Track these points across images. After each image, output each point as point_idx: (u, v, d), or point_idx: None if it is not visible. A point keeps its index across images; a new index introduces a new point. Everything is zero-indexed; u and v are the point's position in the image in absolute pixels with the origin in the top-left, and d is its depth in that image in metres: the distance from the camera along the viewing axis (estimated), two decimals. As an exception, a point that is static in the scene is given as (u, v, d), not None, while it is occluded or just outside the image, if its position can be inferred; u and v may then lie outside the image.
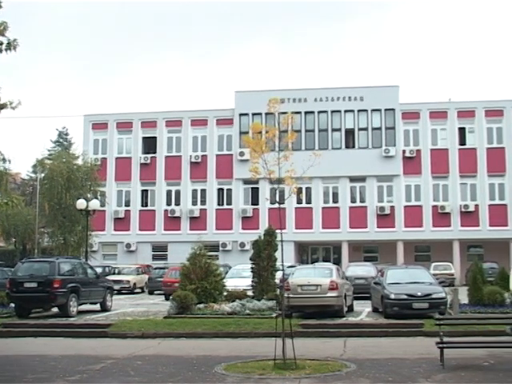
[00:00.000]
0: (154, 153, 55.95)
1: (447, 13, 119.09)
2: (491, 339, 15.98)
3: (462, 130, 53.70)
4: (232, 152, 54.23)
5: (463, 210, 52.27)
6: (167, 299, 30.66)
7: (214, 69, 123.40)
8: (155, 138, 56.10)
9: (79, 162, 50.20)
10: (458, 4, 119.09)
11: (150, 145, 56.36)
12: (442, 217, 52.52)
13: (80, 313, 25.36)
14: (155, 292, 40.10)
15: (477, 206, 52.46)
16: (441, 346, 14.03)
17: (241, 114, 54.35)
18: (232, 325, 20.82)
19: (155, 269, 44.30)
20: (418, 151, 53.29)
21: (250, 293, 25.98)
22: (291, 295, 21.78)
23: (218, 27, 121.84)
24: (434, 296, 22.37)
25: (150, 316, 24.25)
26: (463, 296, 24.20)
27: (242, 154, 50.95)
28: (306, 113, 53.56)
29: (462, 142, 53.57)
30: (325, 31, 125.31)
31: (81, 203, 36.25)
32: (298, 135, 24.67)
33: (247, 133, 35.70)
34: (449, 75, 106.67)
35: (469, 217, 52.26)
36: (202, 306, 24.00)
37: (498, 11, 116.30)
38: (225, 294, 25.76)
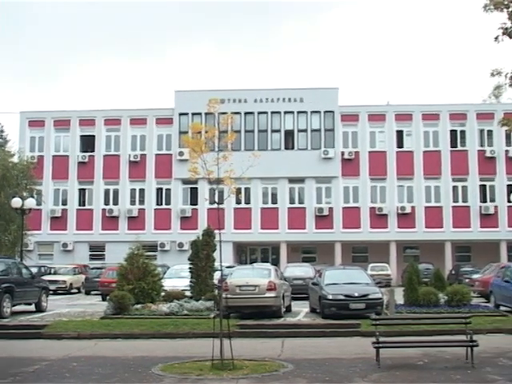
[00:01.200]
0: (92, 151, 55.23)
1: (386, 16, 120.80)
2: (426, 339, 16.27)
3: (399, 133, 54.52)
4: (171, 152, 53.92)
5: (400, 211, 53.07)
6: (104, 300, 30.30)
7: (153, 68, 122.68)
8: (93, 136, 55.40)
9: (15, 159, 49.13)
10: (398, 8, 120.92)
11: (88, 143, 55.61)
12: (379, 218, 53.22)
13: (14, 314, 24.83)
14: (92, 292, 39.64)
15: (413, 207, 53.33)
16: (377, 345, 14.19)
17: (180, 114, 54.09)
18: (170, 325, 20.69)
19: (92, 269, 43.82)
20: (357, 153, 53.88)
21: (188, 293, 25.86)
22: (229, 295, 21.76)
23: (158, 26, 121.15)
24: (370, 296, 22.63)
25: (87, 317, 23.92)
26: (399, 296, 24.52)
27: (181, 153, 50.69)
28: (245, 113, 53.63)
29: (400, 144, 54.39)
30: (265, 32, 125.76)
31: (16, 202, 35.50)
32: (237, 136, 24.67)
33: (187, 132, 35.59)
34: (388, 79, 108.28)
35: (405, 218, 53.09)
36: (139, 306, 23.79)
37: (435, 16, 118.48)
38: (163, 294, 25.58)
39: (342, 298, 22.50)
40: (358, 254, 54.70)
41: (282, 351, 16.62)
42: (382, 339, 14.28)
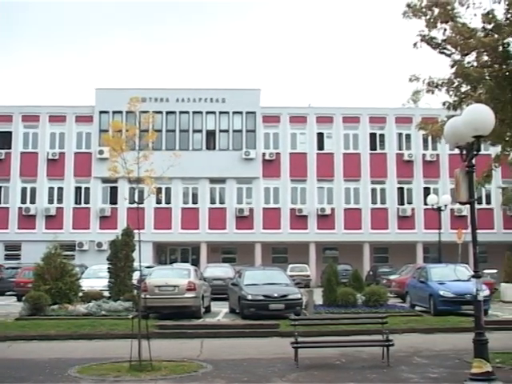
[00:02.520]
0: (9, 148, 53.82)
1: (309, 19, 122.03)
2: (344, 339, 16.48)
3: (320, 135, 55.10)
4: (91, 150, 53.06)
5: (320, 213, 53.64)
6: (20, 300, 29.56)
7: (74, 65, 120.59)
8: (10, 132, 54.00)
9: None
10: (321, 10, 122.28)
11: (4, 140, 54.13)
12: (299, 219, 53.67)
13: None
14: (7, 293, 38.60)
15: (333, 209, 53.97)
16: (295, 345, 14.29)
17: (101, 112, 53.29)
18: (87, 326, 20.37)
19: (7, 269, 42.69)
20: (278, 154, 54.22)
21: (106, 293, 25.52)
22: (148, 296, 21.58)
23: (80, 21, 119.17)
24: (289, 297, 22.79)
25: (1, 318, 23.29)
26: (318, 297, 24.78)
27: (101, 152, 49.89)
28: (167, 113, 53.25)
29: (320, 146, 54.97)
30: (189, 32, 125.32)
31: None
32: (158, 135, 24.42)
33: (107, 131, 35.04)
34: (310, 81, 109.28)
35: (325, 220, 53.69)
36: (56, 307, 23.33)
37: (358, 20, 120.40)
38: (80, 294, 25.17)
39: (261, 298, 22.59)
40: (278, 254, 55.05)
41: (201, 352, 16.56)
42: (300, 339, 14.39)
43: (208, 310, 25.16)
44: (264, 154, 53.87)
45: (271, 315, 21.84)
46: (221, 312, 25.49)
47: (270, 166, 53.93)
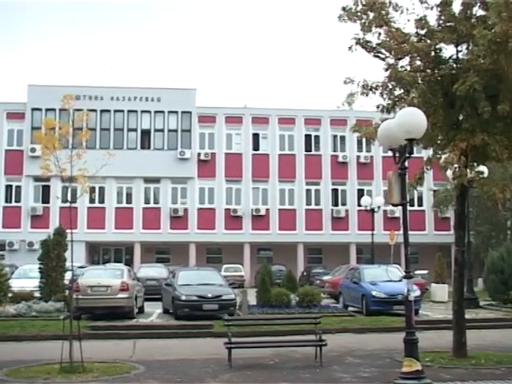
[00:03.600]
0: None
1: (246, 20, 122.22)
2: (277, 339, 16.57)
3: (255, 136, 55.24)
4: (23, 147, 51.95)
5: (254, 213, 53.76)
6: None
7: (5, 60, 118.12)
8: None
9: None
10: (259, 12, 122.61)
11: None
12: (234, 220, 53.70)
13: None
14: None
15: (267, 210, 54.17)
16: (229, 346, 14.28)
17: (33, 109, 52.24)
18: (16, 327, 19.96)
19: None
20: (213, 155, 54.14)
21: (37, 294, 25.05)
22: (80, 296, 21.26)
23: (12, 17, 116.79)
24: (223, 297, 22.77)
25: None
26: (252, 297, 24.84)
27: (33, 150, 48.90)
28: (101, 111, 52.57)
29: (256, 147, 55.11)
30: (125, 30, 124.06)
31: None
32: (92, 133, 24.18)
33: (40, 128, 34.33)
34: (245, 82, 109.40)
35: (260, 220, 53.84)
36: (-16, 308, 22.78)
37: (295, 23, 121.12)
38: (10, 295, 24.63)
39: (195, 298, 22.51)
40: (213, 255, 54.98)
41: (133, 353, 16.42)
42: (234, 340, 14.39)
43: (141, 310, 24.94)
44: (199, 154, 53.72)
45: (205, 316, 21.79)
46: (154, 312, 25.30)
47: (205, 166, 53.80)
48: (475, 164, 15.12)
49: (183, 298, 22.56)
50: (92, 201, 49.85)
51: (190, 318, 21.78)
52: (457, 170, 14.50)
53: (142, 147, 53.67)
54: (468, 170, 14.59)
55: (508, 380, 12.47)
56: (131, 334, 19.33)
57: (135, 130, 53.70)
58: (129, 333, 19.59)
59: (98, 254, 55.84)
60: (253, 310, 23.03)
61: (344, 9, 14.84)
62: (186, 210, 53.33)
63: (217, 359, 14.94)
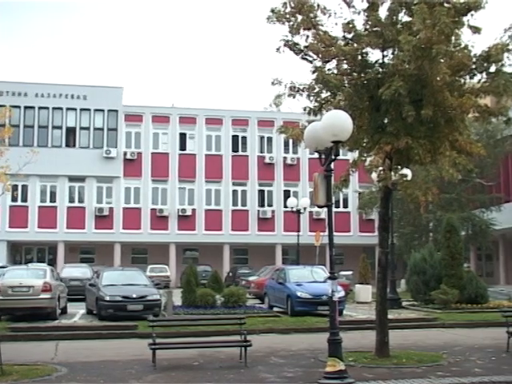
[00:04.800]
0: None
1: (173, 19, 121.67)
2: (202, 340, 16.51)
3: (182, 136, 55.06)
4: None
5: (181, 213, 53.55)
6: None
7: None
8: None
9: None
10: (186, 10, 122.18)
11: None
12: (159, 220, 53.37)
13: None
14: None
15: (194, 210, 54.04)
16: (153, 347, 14.17)
17: (-46, 104, 50.87)
18: None
19: None
20: (139, 154, 53.69)
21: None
22: (1, 297, 20.79)
23: None
24: (148, 298, 22.58)
25: None
26: (177, 298, 24.72)
27: (-47, 146, 47.59)
28: (25, 107, 51.50)
29: (183, 147, 54.93)
30: (51, 28, 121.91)
31: None
32: (15, 130, 23.61)
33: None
34: (173, 82, 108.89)
35: (186, 221, 53.65)
36: None
37: (224, 23, 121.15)
38: None
39: (119, 299, 22.24)
40: (138, 255, 54.53)
41: (55, 354, 16.12)
42: (158, 340, 14.29)
43: (64, 311, 24.49)
44: (125, 153, 53.20)
45: (130, 316, 21.56)
46: (77, 313, 24.87)
47: (132, 166, 53.33)
48: (399, 167, 15.38)
49: (107, 298, 22.26)
50: (14, 199, 48.73)
51: (114, 318, 21.51)
52: (381, 172, 14.74)
53: (67, 145, 52.82)
54: (392, 173, 14.84)
55: (428, 378, 12.74)
56: (53, 336, 18.97)
57: (60, 127, 52.78)
58: (51, 334, 19.21)
59: (20, 253, 54.65)
60: (178, 311, 22.92)
61: (273, 10, 14.88)
62: (111, 210, 52.74)
63: (141, 360, 14.80)
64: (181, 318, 20.53)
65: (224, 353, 15.54)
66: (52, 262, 47.94)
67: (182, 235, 53.25)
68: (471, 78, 14.91)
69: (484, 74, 14.68)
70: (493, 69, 14.47)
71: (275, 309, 25.93)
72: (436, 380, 12.62)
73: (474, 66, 14.50)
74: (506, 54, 14.18)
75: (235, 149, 55.68)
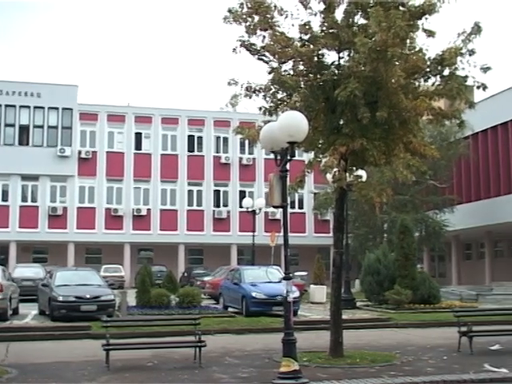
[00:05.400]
0: None
1: (128, 17, 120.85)
2: (156, 340, 16.39)
3: (138, 135, 54.76)
4: None
5: (136, 213, 53.24)
6: None
7: None
8: None
9: None
10: (141, 9, 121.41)
11: None
12: (114, 220, 52.98)
13: None
14: None
15: (149, 210, 53.77)
16: (107, 348, 14.04)
17: None
18: None
19: None
20: (94, 153, 53.23)
21: None
22: (-49, 298, 20.40)
23: None
24: (102, 298, 22.39)
25: None
26: (132, 298, 24.55)
27: None
28: (-23, 105, 50.77)
29: (138, 146, 54.63)
30: (7, 24, 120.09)
31: None
32: (-33, 127, 23.21)
33: None
34: (129, 80, 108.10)
35: (141, 221, 53.35)
36: None
37: (180, 23, 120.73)
38: None
39: (72, 299, 22.02)
40: (92, 255, 54.02)
41: (6, 356, 15.84)
42: (112, 341, 14.16)
43: (16, 311, 24.13)
44: (80, 152, 52.67)
45: (83, 317, 21.34)
46: (30, 314, 24.52)
47: (86, 165, 52.82)
48: (354, 168, 15.51)
49: (60, 298, 22.01)
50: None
51: (67, 319, 21.26)
52: (336, 173, 14.83)
53: (20, 143, 52.07)
54: (347, 174, 14.94)
55: (381, 378, 12.83)
56: (4, 337, 18.63)
57: (13, 125, 52.01)
58: (1, 335, 18.84)
59: (-28, 253, 53.77)
60: (132, 311, 22.78)
61: (230, 11, 14.86)
62: (65, 209, 52.18)
63: (94, 361, 14.65)
64: (135, 318, 20.41)
65: (178, 353, 15.47)
66: (4, 262, 47.00)
67: (136, 235, 52.95)
68: (425, 80, 15.09)
69: (438, 77, 14.87)
70: (446, 72, 14.67)
71: (230, 309, 25.94)
72: (389, 379, 12.73)
73: (428, 69, 14.68)
74: (459, 58, 14.38)
75: (191, 149, 55.55)
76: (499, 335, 17.64)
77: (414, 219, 39.52)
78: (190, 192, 55.27)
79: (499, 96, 40.90)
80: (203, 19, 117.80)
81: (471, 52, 14.40)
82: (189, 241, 53.86)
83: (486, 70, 14.41)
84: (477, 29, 14.35)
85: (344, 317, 16.84)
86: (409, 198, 44.12)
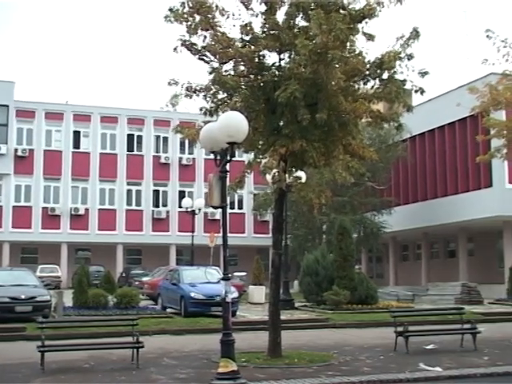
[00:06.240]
0: None
1: (68, 14, 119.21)
2: (93, 341, 16.17)
3: (76, 134, 54.07)
4: None
5: (73, 212, 52.55)
6: None
7: None
8: None
9: None
10: (80, 6, 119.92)
11: None
12: (51, 219, 52.19)
13: None
14: None
15: (87, 209, 53.13)
16: (42, 349, 13.81)
17: None
18: None
19: None
20: (31, 151, 52.33)
21: None
22: None
23: None
24: (38, 299, 21.97)
25: None
26: (69, 299, 24.21)
27: None
28: None
29: (76, 145, 53.94)
30: None
31: None
32: None
33: None
34: (68, 78, 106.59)
35: (78, 220, 52.68)
36: None
37: (120, 19, 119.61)
38: None
39: (7, 300, 21.54)
40: (28, 254, 53.09)
41: None
42: (47, 343, 13.94)
43: None
44: (16, 150, 51.70)
45: (18, 318, 20.90)
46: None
47: (23, 163, 51.89)
48: (294, 169, 15.58)
49: (-6, 300, 21.53)
50: None
51: (1, 320, 20.78)
52: (276, 174, 14.88)
53: (-46, 141, 50.87)
54: (287, 175, 15.01)
55: (318, 377, 12.94)
56: None
57: None
58: None
59: None
60: (69, 312, 22.45)
61: (171, 10, 14.76)
62: (0, 208, 51.13)
63: (29, 363, 14.38)
64: (71, 319, 20.13)
65: (116, 354, 15.32)
66: None
67: (74, 235, 52.28)
68: (365, 83, 15.27)
69: (377, 81, 15.06)
70: (385, 76, 14.86)
71: (169, 310, 25.80)
72: (326, 379, 12.83)
73: (367, 72, 14.85)
74: (398, 62, 14.59)
75: (130, 148, 55.11)
76: (434, 335, 18.01)
77: (352, 220, 39.89)
78: (129, 192, 54.83)
79: (436, 100, 41.64)
80: (144, 17, 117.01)
81: (410, 56, 14.64)
82: (127, 241, 53.43)
83: (423, 74, 14.68)
84: (415, 34, 14.59)
85: (282, 317, 16.92)
86: (347, 200, 44.53)
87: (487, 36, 18.10)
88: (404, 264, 51.67)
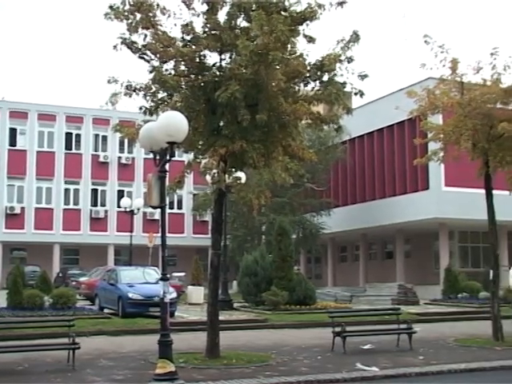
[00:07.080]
0: None
1: (7, 9, 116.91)
2: (27, 343, 15.89)
3: (13, 131, 53.07)
4: None
5: (9, 211, 51.58)
6: None
7: None
8: None
9: None
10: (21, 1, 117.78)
11: None
12: (-14, 218, 51.16)
13: None
14: None
15: (23, 208, 52.21)
16: (-26, 351, 13.50)
17: None
18: None
19: None
20: (-35, 148, 51.22)
21: None
22: None
23: None
24: (-30, 299, 21.56)
25: None
26: (3, 299, 23.79)
27: None
28: None
29: (13, 143, 52.94)
30: None
31: None
32: None
33: None
34: (3, 74, 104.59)
35: (14, 219, 51.71)
36: None
37: (59, 15, 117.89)
38: None
39: None
40: (-40, 254, 51.96)
41: None
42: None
43: None
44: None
45: None
46: None
47: (-44, 160, 50.73)
48: (233, 170, 15.59)
49: None
50: None
51: None
52: (216, 175, 14.87)
53: None
54: (226, 176, 15.01)
55: (256, 378, 12.97)
56: None
57: None
58: None
59: None
60: (3, 313, 22.04)
61: (111, 7, 14.60)
62: None
63: None
64: (5, 320, 19.70)
65: (51, 356, 15.08)
66: None
67: (9, 234, 51.32)
68: (305, 85, 15.37)
69: (317, 83, 15.18)
70: (326, 78, 15.00)
71: (106, 310, 25.56)
72: (264, 379, 12.87)
73: (308, 74, 14.95)
74: (338, 65, 14.73)
75: (68, 146, 54.36)
76: (371, 335, 18.26)
77: (291, 221, 40.14)
78: (67, 190, 54.07)
79: (376, 103, 42.20)
80: (84, 14, 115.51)
81: (350, 59, 14.81)
82: (64, 240, 52.70)
83: (363, 77, 14.86)
84: (355, 37, 14.76)
85: (221, 318, 16.91)
86: (287, 201, 44.78)
87: (425, 41, 18.39)
88: (342, 265, 52.21)
